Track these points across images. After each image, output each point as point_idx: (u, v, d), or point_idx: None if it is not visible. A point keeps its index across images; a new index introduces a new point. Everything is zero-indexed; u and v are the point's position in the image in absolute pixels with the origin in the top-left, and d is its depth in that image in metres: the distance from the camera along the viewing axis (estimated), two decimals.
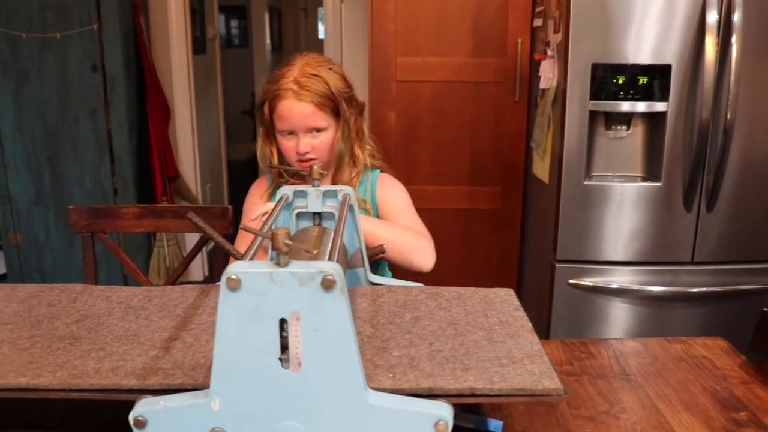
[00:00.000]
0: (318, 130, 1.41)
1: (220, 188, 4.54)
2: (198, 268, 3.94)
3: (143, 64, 3.33)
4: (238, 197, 1.81)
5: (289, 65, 1.43)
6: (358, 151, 1.50)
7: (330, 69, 1.43)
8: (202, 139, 3.99)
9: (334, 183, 1.48)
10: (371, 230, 1.31)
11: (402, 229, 1.42)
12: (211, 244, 1.86)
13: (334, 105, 1.41)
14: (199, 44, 3.96)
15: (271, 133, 1.47)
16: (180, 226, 1.75)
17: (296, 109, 1.38)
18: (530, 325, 0.95)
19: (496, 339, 0.90)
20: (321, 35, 7.30)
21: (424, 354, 0.85)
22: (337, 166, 1.48)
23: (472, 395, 0.77)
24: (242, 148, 7.07)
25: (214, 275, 3.88)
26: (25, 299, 1.07)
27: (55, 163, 3.24)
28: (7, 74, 3.12)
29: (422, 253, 1.39)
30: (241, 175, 6.38)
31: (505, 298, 1.06)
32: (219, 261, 1.82)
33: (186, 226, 1.74)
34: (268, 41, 6.68)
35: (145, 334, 0.94)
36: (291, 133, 1.42)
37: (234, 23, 7.32)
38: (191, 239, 3.79)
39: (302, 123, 1.39)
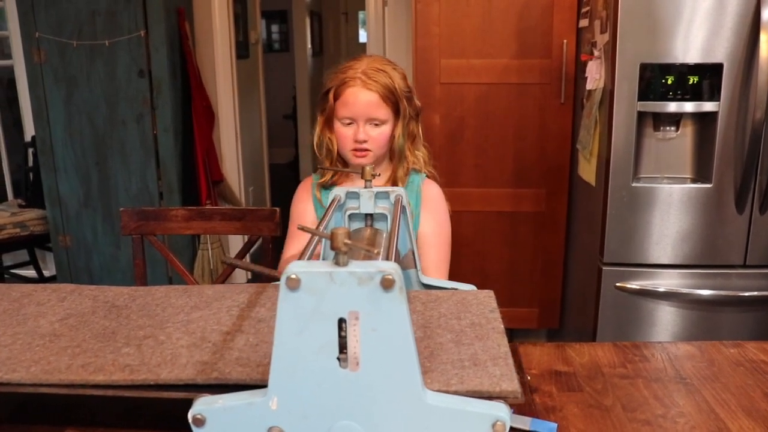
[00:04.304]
0: (378, 122, 1.47)
1: (263, 191, 4.58)
2: (241, 270, 3.98)
3: (188, 69, 3.38)
4: (279, 200, 1.83)
5: (356, 59, 1.51)
6: (408, 152, 1.55)
7: (394, 69, 1.51)
8: (245, 143, 4.03)
9: (390, 179, 1.54)
10: None
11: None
12: (254, 248, 1.88)
13: (396, 101, 1.48)
14: (242, 49, 4.01)
15: (331, 121, 1.52)
16: (227, 229, 1.77)
17: (362, 96, 1.45)
18: (502, 327, 0.94)
19: (464, 341, 0.89)
20: (362, 39, 7.34)
21: None
22: (397, 162, 1.54)
23: None
24: (284, 152, 7.13)
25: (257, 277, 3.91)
26: (18, 298, 1.10)
27: (103, 167, 3.31)
28: (58, 81, 3.20)
29: None
30: (283, 179, 6.45)
31: (483, 300, 1.04)
32: (264, 263, 1.83)
33: (233, 228, 1.76)
34: (309, 45, 6.72)
35: (123, 332, 0.96)
36: (351, 121, 1.48)
37: (275, 28, 7.39)
38: (235, 241, 3.83)
39: (365, 111, 1.46)
